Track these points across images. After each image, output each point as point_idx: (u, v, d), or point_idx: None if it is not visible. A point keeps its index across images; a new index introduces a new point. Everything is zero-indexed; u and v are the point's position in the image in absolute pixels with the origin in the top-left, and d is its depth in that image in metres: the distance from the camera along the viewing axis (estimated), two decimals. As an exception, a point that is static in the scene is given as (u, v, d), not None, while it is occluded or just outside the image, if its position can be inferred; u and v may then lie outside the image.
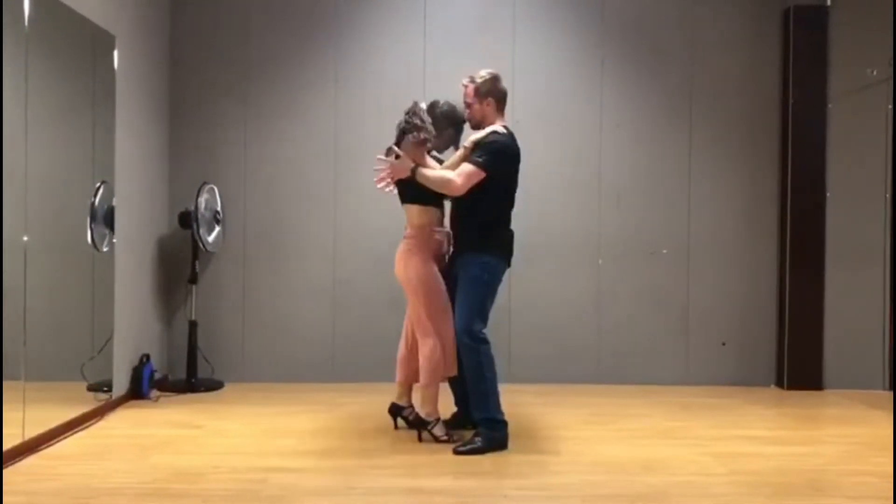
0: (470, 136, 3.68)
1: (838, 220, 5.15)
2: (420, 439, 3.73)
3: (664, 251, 5.27)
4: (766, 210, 5.28)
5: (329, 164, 5.24)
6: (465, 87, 3.71)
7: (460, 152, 3.66)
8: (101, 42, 4.27)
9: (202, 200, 4.88)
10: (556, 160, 5.23)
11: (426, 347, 3.67)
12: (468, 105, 3.72)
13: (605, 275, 5.27)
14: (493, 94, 3.68)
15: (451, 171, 3.57)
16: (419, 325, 3.70)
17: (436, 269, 3.70)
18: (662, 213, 5.27)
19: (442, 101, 3.79)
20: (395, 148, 3.60)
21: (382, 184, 3.62)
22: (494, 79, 3.70)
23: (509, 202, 3.72)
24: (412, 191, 3.64)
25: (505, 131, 3.65)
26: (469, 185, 3.52)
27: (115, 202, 4.33)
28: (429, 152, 3.73)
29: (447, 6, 5.25)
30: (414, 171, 3.51)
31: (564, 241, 5.24)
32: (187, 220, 4.88)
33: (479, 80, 3.68)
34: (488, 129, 3.64)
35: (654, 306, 5.28)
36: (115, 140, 4.38)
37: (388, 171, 3.58)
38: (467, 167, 3.53)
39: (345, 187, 5.23)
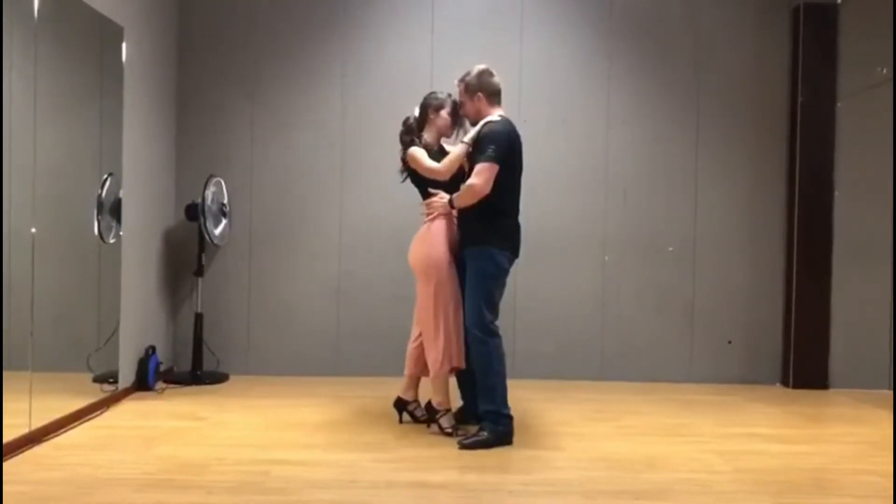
0: (468, 133, 3.70)
1: (846, 219, 5.13)
2: (429, 426, 3.80)
3: (670, 248, 5.26)
4: (772, 208, 5.26)
5: (335, 157, 5.25)
6: (458, 86, 3.76)
7: (461, 147, 3.66)
8: (110, 34, 4.28)
9: (209, 193, 4.89)
10: (562, 156, 5.22)
11: (437, 338, 3.67)
12: (462, 104, 3.78)
13: (610, 271, 5.26)
14: (481, 88, 3.69)
15: (470, 179, 3.59)
16: (429, 316, 3.69)
17: (450, 256, 3.73)
18: (668, 210, 5.26)
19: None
20: (432, 190, 3.78)
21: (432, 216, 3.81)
22: (481, 73, 3.71)
23: (511, 193, 3.70)
24: (424, 186, 3.79)
25: (498, 118, 3.65)
26: (490, 181, 3.53)
27: (122, 194, 4.34)
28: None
29: (455, 1, 5.24)
30: (452, 202, 3.69)
31: (570, 238, 5.24)
32: (194, 212, 4.89)
33: (467, 78, 3.72)
34: (482, 122, 3.65)
35: (659, 303, 5.27)
36: (123, 132, 4.39)
37: (435, 211, 3.76)
38: (479, 166, 3.55)
39: (351, 181, 5.23)
